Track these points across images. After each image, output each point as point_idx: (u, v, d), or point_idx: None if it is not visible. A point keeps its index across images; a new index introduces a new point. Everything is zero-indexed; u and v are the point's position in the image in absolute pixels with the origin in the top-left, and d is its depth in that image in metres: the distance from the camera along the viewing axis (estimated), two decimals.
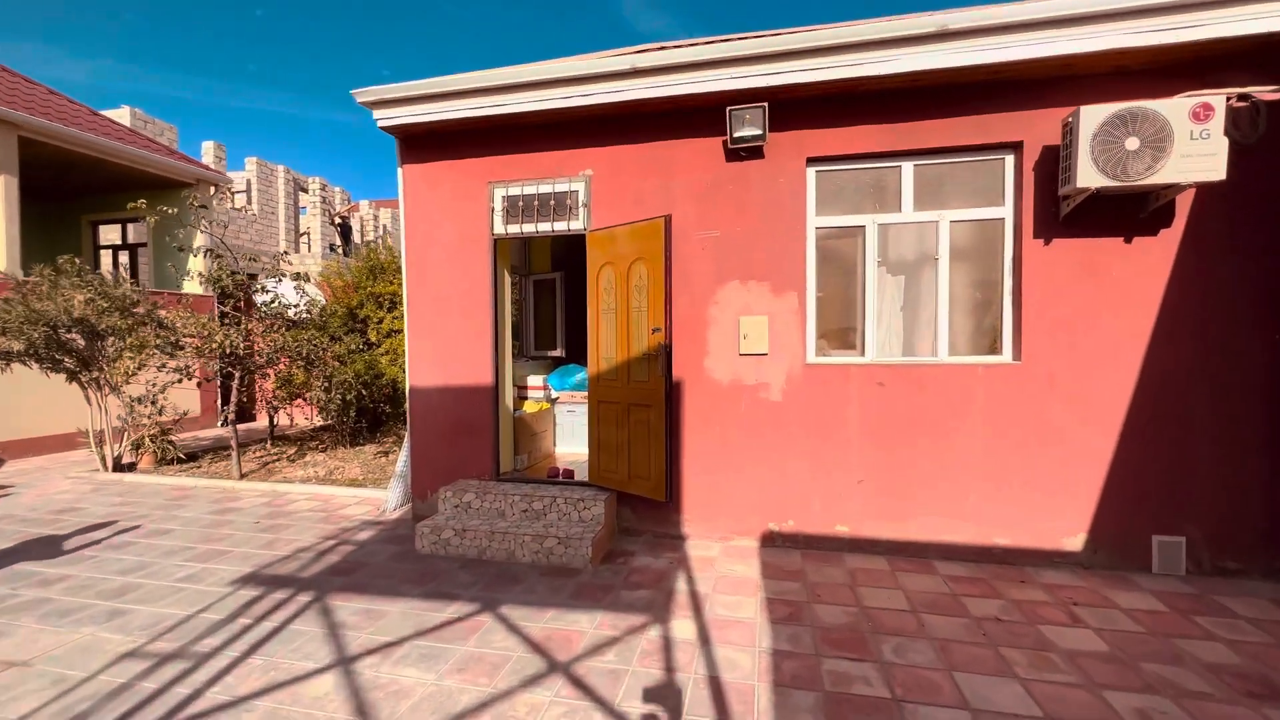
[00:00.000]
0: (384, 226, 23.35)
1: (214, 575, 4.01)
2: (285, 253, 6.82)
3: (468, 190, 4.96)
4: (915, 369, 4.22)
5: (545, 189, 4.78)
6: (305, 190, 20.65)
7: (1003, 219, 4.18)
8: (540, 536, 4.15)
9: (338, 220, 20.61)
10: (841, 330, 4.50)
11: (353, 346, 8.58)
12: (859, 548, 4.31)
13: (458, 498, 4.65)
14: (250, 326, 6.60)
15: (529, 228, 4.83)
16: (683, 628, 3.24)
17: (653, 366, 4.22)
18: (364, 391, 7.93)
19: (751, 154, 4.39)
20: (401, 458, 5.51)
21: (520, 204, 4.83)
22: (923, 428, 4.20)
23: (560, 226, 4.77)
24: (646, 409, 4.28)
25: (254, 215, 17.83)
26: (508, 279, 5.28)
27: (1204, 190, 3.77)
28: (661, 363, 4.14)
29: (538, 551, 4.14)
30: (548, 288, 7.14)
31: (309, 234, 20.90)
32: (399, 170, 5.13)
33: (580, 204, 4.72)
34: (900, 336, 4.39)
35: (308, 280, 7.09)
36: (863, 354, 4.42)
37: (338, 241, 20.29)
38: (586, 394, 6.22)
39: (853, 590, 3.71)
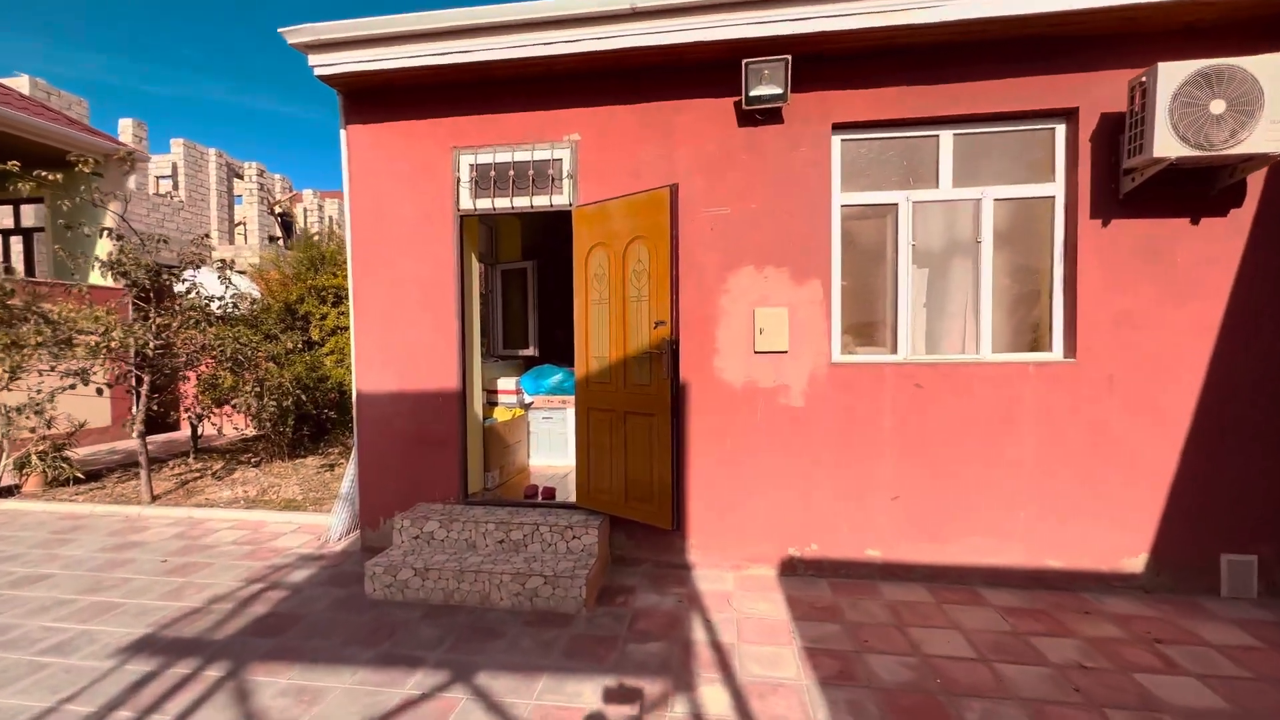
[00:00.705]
0: (330, 218, 21.82)
1: (95, 642, 3.09)
2: (206, 236, 5.80)
3: (428, 157, 4.15)
4: (957, 369, 3.67)
5: (523, 156, 4.02)
6: (240, 176, 19.00)
7: (1052, 197, 3.67)
8: (522, 574, 3.40)
9: (278, 210, 19.06)
10: (869, 325, 3.92)
11: (291, 346, 7.55)
12: (893, 574, 3.74)
13: (417, 527, 3.84)
14: (159, 321, 5.55)
15: (503, 203, 4.06)
16: (714, 698, 2.56)
17: (655, 367, 3.53)
18: (303, 397, 6.95)
19: (769, 117, 3.76)
20: (348, 476, 4.64)
21: (492, 174, 4.06)
22: (965, 436, 3.66)
23: (541, 201, 4.02)
24: (647, 418, 3.58)
25: (181, 202, 16.20)
26: (475, 264, 4.49)
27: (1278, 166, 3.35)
28: (666, 363, 3.45)
29: (519, 594, 3.39)
30: (518, 279, 6.35)
31: (245, 224, 19.25)
32: (342, 133, 4.27)
33: (565, 175, 3.98)
34: (936, 331, 3.84)
35: (231, 266, 6.06)
36: (894, 351, 3.85)
37: (278, 233, 18.75)
38: (564, 398, 5.48)
39: (902, 632, 3.12)
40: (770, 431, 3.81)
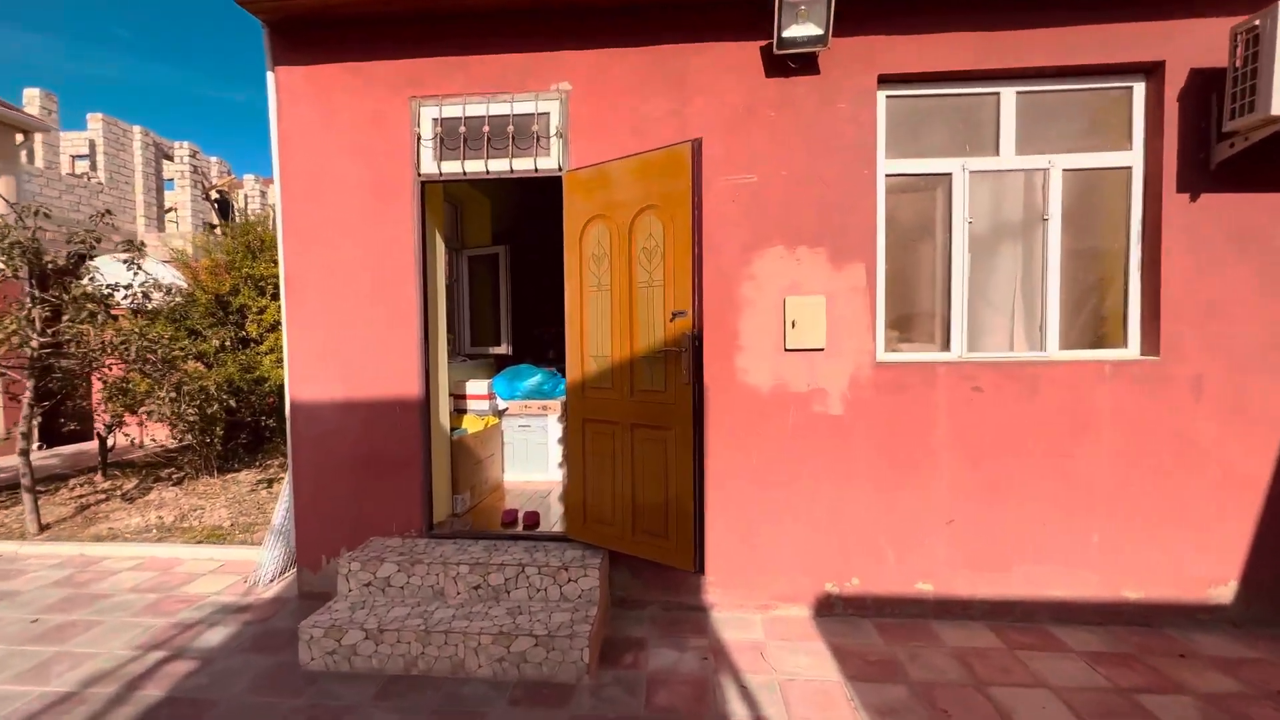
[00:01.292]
0: (274, 208, 20.27)
1: None
2: (107, 214, 4.80)
3: (380, 109, 3.35)
4: (1021, 369, 3.11)
5: (500, 109, 3.27)
6: (170, 158, 17.33)
7: (1129, 168, 3.15)
8: (506, 633, 2.67)
9: (215, 195, 17.49)
10: (916, 317, 3.33)
11: (220, 344, 6.55)
12: (948, 611, 3.17)
13: (370, 571, 3.06)
14: (37, 313, 4.54)
15: (475, 166, 3.29)
16: None
17: (672, 369, 2.84)
18: (233, 403, 5.97)
19: (804, 66, 3.11)
20: (281, 504, 3.79)
21: (462, 130, 3.28)
22: (1030, 447, 3.11)
23: (523, 165, 3.27)
24: (661, 432, 2.89)
25: (100, 184, 14.59)
26: (440, 245, 3.71)
27: None
28: (688, 363, 2.77)
29: (502, 659, 2.66)
30: (487, 267, 5.56)
31: (177, 211, 17.59)
32: (269, 77, 3.41)
33: (552, 133, 3.25)
34: (993, 325, 3.27)
35: (141, 249, 5.06)
36: (945, 348, 3.27)
37: (215, 220, 17.19)
38: (544, 403, 4.74)
39: (984, 694, 2.53)
40: (803, 444, 3.18)
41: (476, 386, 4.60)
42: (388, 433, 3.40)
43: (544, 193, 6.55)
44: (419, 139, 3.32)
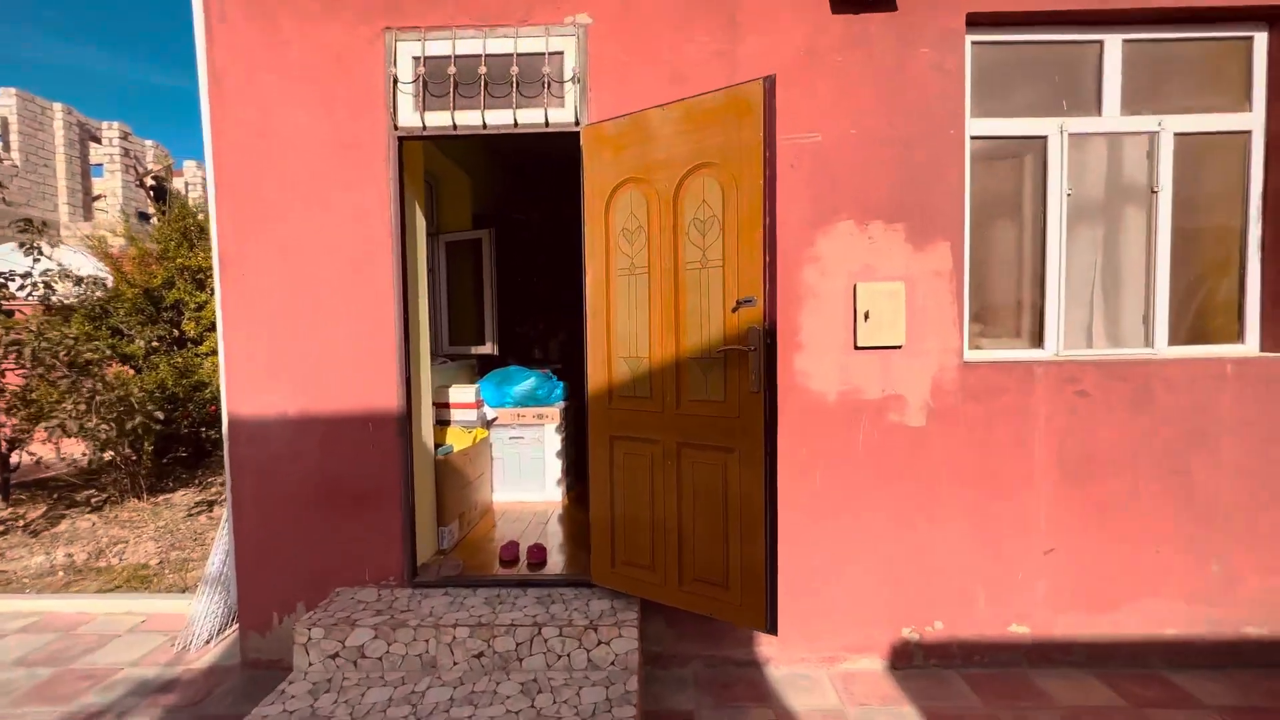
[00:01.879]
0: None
1: None
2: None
3: (345, 43, 2.63)
4: (1129, 368, 2.62)
5: (500, 46, 2.59)
6: (98, 140, 15.75)
7: (1248, 132, 2.69)
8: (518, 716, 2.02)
9: (150, 182, 15.99)
10: (1000, 307, 2.82)
11: (149, 345, 5.63)
12: (1046, 656, 2.66)
13: (337, 637, 2.36)
14: None
15: (469, 119, 2.61)
16: None
17: (734, 374, 2.22)
18: (161, 415, 5.08)
19: (877, 1, 2.54)
20: (219, 545, 3.03)
21: (452, 73, 2.59)
22: (1141, 461, 2.63)
23: (531, 117, 2.60)
24: (720, 454, 2.27)
25: (14, 167, 13.07)
26: (421, 220, 3.01)
27: None
28: (756, 366, 2.16)
29: None
30: (468, 254, 4.83)
31: (106, 198, 16.01)
32: (195, 4, 2.65)
33: (566, 77, 2.59)
34: (1091, 317, 2.78)
35: (41, 232, 4.17)
36: (1039, 345, 2.77)
37: (150, 209, 15.71)
38: (539, 410, 4.10)
39: None
40: (876, 463, 2.62)
41: (462, 393, 3.90)
42: (358, 455, 2.69)
43: (537, 167, 5.86)
44: (396, 82, 2.61)
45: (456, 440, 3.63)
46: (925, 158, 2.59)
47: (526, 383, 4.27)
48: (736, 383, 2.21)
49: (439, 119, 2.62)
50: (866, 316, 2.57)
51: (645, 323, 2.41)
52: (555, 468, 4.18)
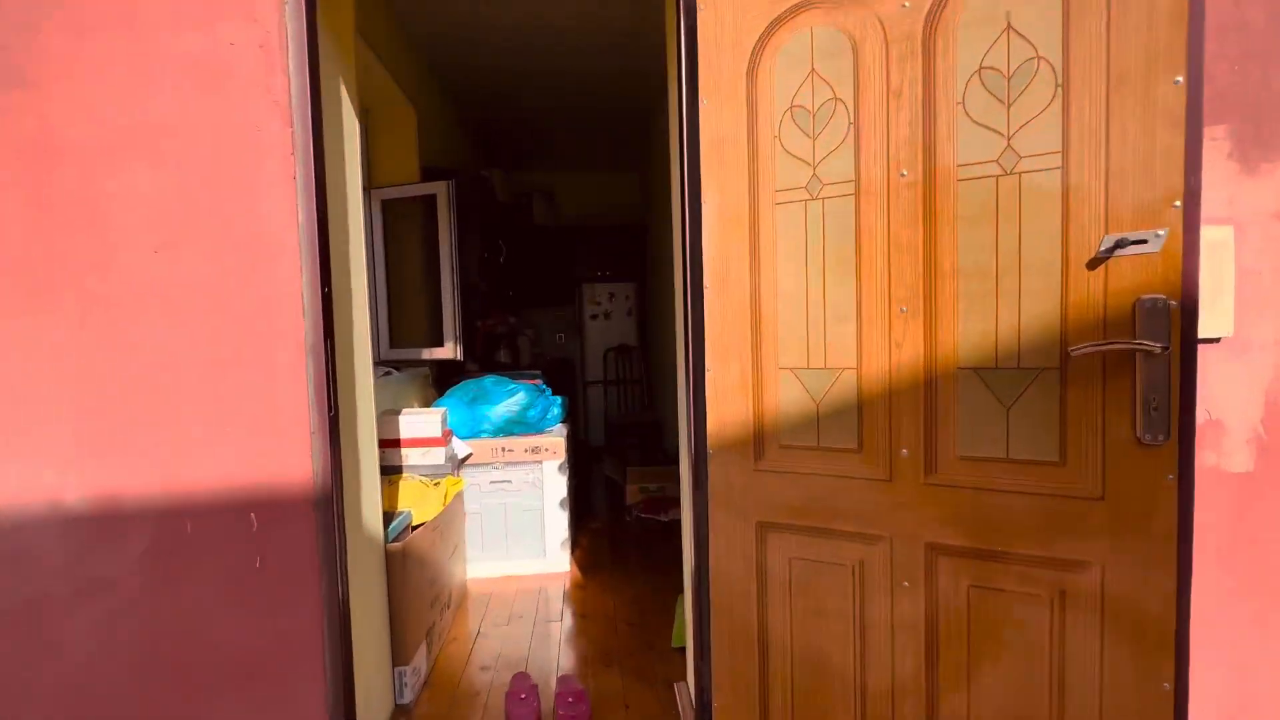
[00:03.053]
0: None
1: None
2: None
3: None
4: None
5: None
6: None
7: None
8: None
9: None
10: None
11: None
12: None
13: None
14: None
15: None
16: None
17: (1086, 403, 1.02)
18: None
19: None
20: None
21: None
22: None
23: None
24: (1049, 573, 1.05)
25: None
26: (352, 119, 1.63)
27: None
28: (1157, 384, 0.98)
29: None
30: (415, 217, 3.40)
31: None
32: None
33: None
34: None
35: None
36: None
37: None
38: (532, 442, 2.81)
39: None
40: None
41: (417, 423, 2.50)
42: (226, 585, 1.30)
43: (506, 108, 4.25)
44: None
45: (415, 501, 2.25)
46: (1266, 19, 1.50)
47: (511, 400, 2.93)
48: (1093, 422, 1.02)
49: None
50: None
51: (850, 297, 1.17)
52: (559, 524, 2.88)
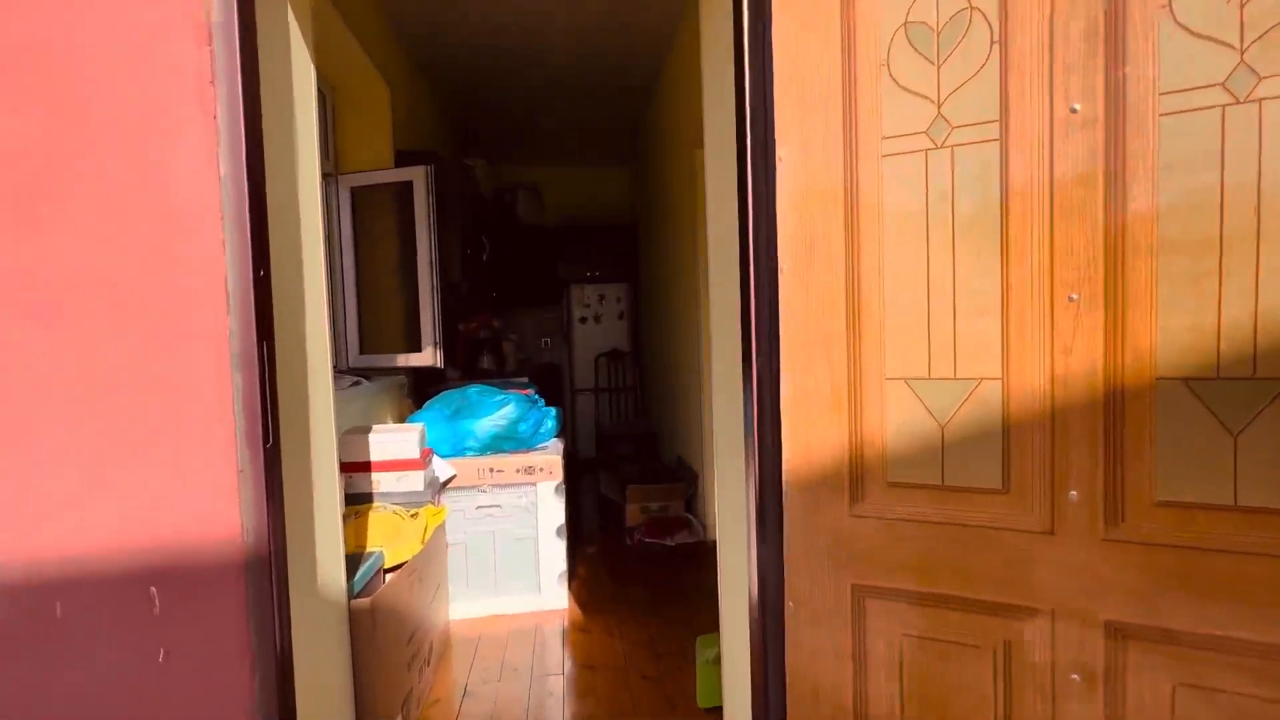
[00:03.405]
0: None
1: None
2: None
3: None
4: None
5: None
6: None
7: None
8: None
9: None
10: None
11: None
12: None
13: None
14: None
15: None
16: None
17: None
18: None
19: None
20: None
21: None
22: None
23: None
24: None
25: None
26: (309, 65, 1.27)
27: None
28: None
29: None
30: (389, 207, 3.02)
31: None
32: None
33: None
34: None
35: None
36: None
37: None
38: (524, 462, 2.45)
39: None
40: None
41: (391, 441, 2.12)
42: (114, 689, 0.92)
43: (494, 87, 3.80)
44: None
45: (388, 538, 1.87)
46: None
47: (500, 413, 2.57)
48: None
49: None
50: None
51: (993, 281, 0.86)
52: (556, 555, 2.52)
